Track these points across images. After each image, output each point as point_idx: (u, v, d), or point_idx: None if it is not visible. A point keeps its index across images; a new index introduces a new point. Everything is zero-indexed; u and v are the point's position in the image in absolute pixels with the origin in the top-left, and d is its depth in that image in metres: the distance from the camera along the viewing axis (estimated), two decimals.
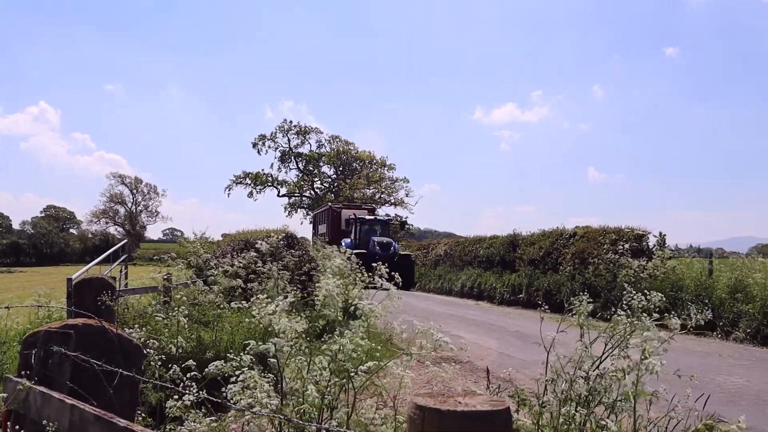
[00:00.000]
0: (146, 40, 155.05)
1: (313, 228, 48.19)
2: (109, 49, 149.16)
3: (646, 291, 3.89)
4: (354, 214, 37.57)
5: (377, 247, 30.97)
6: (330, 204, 44.60)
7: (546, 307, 4.34)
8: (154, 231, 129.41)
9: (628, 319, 3.63)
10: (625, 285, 4.21)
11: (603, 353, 3.62)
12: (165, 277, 9.63)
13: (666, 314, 3.75)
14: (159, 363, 4.86)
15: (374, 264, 4.65)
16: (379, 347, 4.08)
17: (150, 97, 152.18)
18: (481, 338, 12.45)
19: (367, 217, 36.77)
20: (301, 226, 72.51)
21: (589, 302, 4.00)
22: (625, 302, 3.79)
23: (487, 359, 9.79)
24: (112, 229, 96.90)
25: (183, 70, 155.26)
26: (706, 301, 14.50)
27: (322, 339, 4.05)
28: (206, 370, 4.28)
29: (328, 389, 3.48)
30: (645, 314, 3.63)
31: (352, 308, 4.09)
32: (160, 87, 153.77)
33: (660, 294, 3.77)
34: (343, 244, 30.81)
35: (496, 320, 16.04)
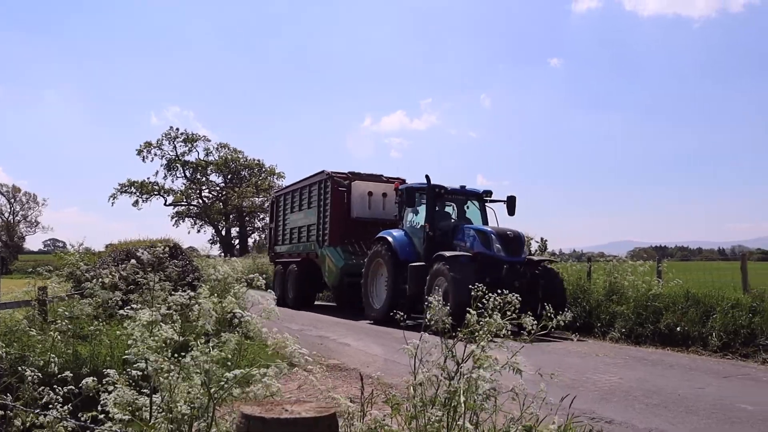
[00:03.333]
0: (25, 41, 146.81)
1: (275, 221, 26.85)
2: None
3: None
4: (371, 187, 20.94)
5: (496, 245, 15.17)
6: (330, 172, 21.39)
7: (403, 315, 4.50)
8: (34, 242, 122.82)
9: (480, 319, 3.78)
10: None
11: (464, 355, 3.76)
12: (40, 290, 9.24)
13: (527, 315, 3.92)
14: (32, 380, 4.69)
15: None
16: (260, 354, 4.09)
17: (27, 100, 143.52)
18: (368, 345, 12.56)
19: (450, 186, 17.56)
20: (188, 235, 70.79)
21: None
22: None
23: (373, 366, 9.88)
24: None
25: (63, 73, 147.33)
26: (584, 303, 15.23)
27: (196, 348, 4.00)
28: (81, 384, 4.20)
29: (194, 401, 3.45)
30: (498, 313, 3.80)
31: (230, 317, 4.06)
32: (38, 90, 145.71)
33: (517, 294, 3.94)
34: (389, 239, 17.22)
35: (383, 327, 16.15)
